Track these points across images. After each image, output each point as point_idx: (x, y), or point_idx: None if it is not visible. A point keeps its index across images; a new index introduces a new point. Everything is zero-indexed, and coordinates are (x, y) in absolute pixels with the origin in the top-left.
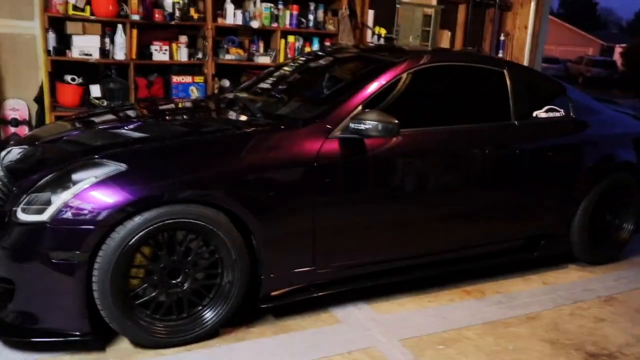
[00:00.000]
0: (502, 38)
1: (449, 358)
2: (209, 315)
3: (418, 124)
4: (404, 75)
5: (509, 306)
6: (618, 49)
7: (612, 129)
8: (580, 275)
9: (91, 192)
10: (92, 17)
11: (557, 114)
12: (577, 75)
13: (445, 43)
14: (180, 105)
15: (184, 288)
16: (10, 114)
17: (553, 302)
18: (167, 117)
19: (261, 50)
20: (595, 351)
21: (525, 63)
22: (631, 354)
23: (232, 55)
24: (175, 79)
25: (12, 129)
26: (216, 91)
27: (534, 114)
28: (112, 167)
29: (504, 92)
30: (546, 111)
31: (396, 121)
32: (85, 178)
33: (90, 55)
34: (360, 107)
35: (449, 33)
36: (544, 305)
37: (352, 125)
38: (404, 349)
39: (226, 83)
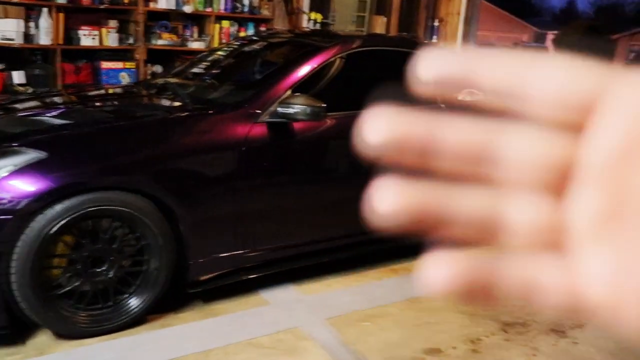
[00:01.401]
0: (435, 24)
1: (371, 333)
2: (135, 302)
3: (349, 108)
4: (335, 60)
5: None
6: (550, 36)
7: None
8: None
9: (9, 180)
10: (14, 0)
11: None
12: None
13: (380, 29)
14: (108, 91)
15: (109, 276)
16: None
17: None
18: (93, 103)
19: (195, 35)
20: (511, 320)
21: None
22: (543, 321)
23: (164, 40)
24: (105, 64)
25: None
26: (148, 77)
27: None
28: (32, 155)
29: None
30: None
31: (323, 105)
32: (3, 167)
33: (13, 40)
34: (289, 92)
35: (385, 19)
36: None
37: (279, 109)
38: (329, 327)
39: (159, 69)
